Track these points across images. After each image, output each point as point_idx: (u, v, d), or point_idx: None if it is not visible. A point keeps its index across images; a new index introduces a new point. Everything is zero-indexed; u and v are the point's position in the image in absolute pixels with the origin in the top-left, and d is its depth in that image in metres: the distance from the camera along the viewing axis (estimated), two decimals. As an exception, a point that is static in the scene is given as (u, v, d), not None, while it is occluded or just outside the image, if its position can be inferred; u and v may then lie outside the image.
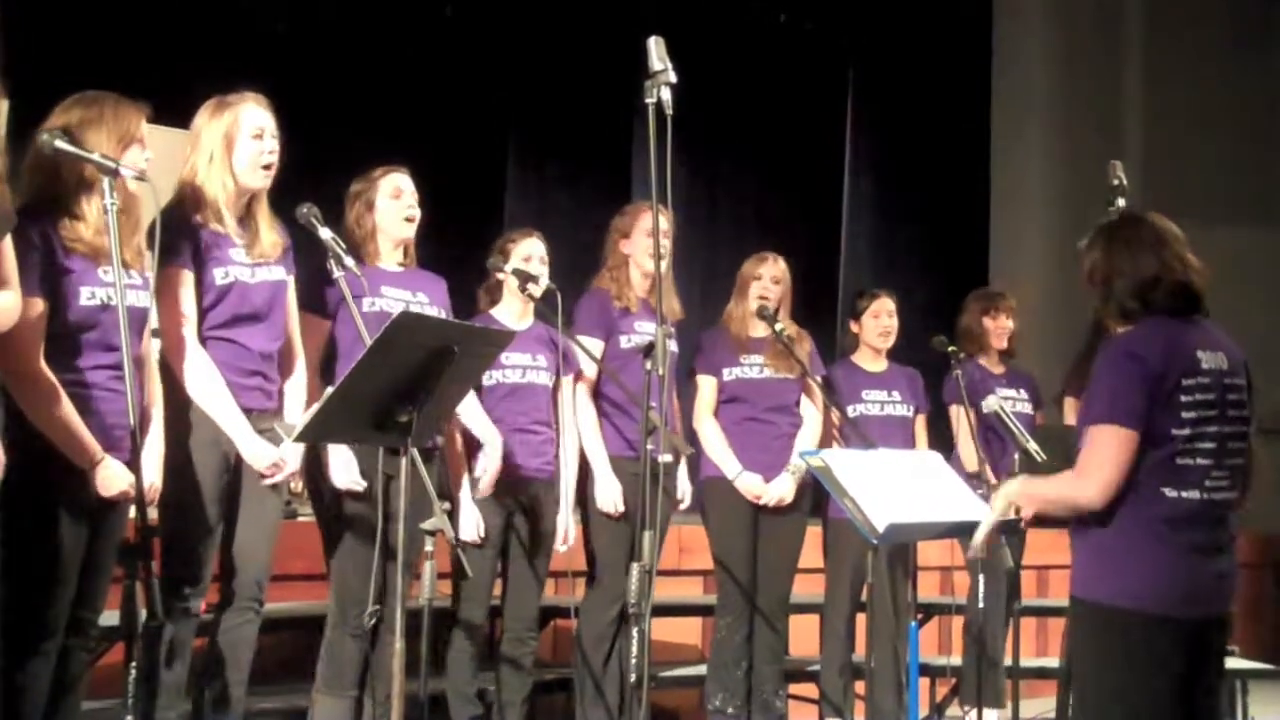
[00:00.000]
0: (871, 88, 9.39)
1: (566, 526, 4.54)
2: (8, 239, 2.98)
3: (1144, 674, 2.92)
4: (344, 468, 3.86)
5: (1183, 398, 2.92)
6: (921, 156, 9.16)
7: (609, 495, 4.56)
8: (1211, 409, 2.95)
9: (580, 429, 4.62)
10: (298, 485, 4.67)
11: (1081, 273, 3.13)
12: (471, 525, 4.31)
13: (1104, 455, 2.91)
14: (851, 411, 5.17)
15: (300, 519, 4.99)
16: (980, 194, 9.36)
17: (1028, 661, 5.76)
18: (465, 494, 4.33)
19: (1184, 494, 2.93)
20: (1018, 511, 5.18)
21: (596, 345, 4.61)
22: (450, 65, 7.58)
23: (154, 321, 3.45)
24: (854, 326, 5.38)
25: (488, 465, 4.29)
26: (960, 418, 5.35)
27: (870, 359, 5.34)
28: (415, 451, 3.28)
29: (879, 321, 5.30)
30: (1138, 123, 9.25)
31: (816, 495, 4.92)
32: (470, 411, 4.30)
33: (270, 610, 3.77)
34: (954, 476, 4.17)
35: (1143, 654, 2.91)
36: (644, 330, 4.62)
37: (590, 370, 4.61)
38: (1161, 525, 2.92)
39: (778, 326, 4.86)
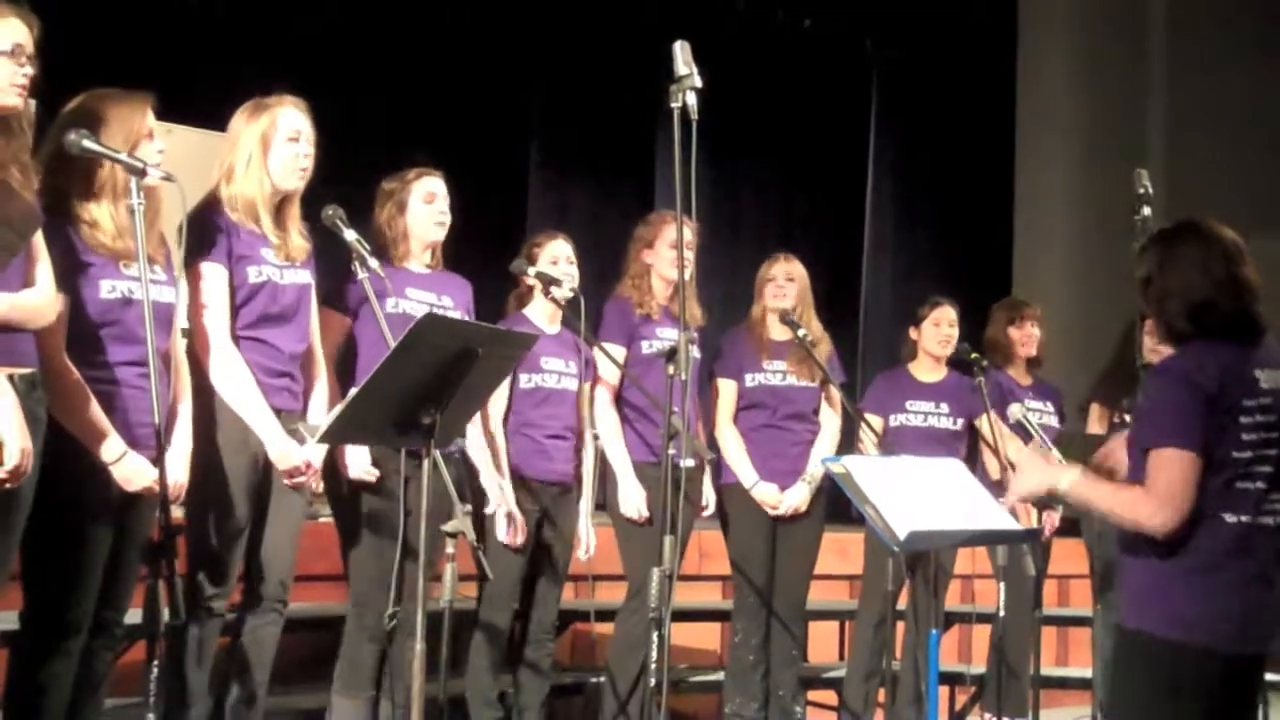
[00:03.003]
0: (895, 93, 9.38)
1: (587, 535, 4.53)
2: (39, 237, 2.99)
3: (1189, 709, 2.82)
4: (357, 458, 3.85)
5: (1243, 419, 2.81)
6: (945, 162, 9.14)
7: (632, 501, 4.55)
8: (1273, 430, 2.83)
9: (603, 435, 4.61)
10: (317, 486, 4.67)
11: (1135, 283, 3.00)
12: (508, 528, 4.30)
13: (1174, 481, 2.78)
14: (892, 421, 5.17)
15: (321, 520, 4.99)
16: (1003, 199, 9.34)
17: (1049, 671, 5.74)
18: (500, 497, 4.31)
19: (1242, 518, 2.82)
20: (1039, 518, 5.20)
21: (619, 351, 4.60)
22: (473, 68, 7.59)
23: (183, 320, 3.45)
24: (913, 333, 5.35)
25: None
26: (984, 426, 5.33)
27: (928, 369, 5.32)
28: (437, 453, 3.28)
29: (939, 330, 5.27)
30: (1161, 129, 9.21)
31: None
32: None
33: (290, 611, 3.77)
34: (977, 485, 4.14)
35: (1189, 688, 2.81)
36: (665, 336, 4.62)
37: (613, 376, 4.60)
38: (1220, 554, 2.81)
39: (800, 332, 4.84)
